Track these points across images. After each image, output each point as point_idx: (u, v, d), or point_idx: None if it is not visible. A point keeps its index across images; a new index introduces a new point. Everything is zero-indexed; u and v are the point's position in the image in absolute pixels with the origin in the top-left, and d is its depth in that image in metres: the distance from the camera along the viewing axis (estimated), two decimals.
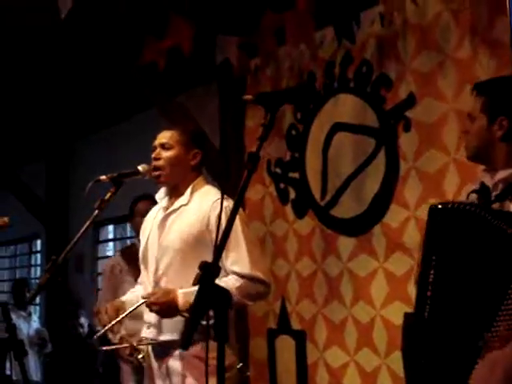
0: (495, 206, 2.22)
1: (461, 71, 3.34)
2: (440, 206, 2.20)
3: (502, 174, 2.25)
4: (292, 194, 4.35)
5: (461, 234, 2.14)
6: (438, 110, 3.43)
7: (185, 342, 1.55)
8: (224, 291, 1.63)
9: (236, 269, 2.78)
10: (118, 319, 2.80)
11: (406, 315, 2.32)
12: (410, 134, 3.58)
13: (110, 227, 7.58)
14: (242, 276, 2.78)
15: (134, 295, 3.06)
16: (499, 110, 2.30)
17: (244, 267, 2.78)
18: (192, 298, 2.60)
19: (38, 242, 8.79)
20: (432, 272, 2.12)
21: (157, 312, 2.76)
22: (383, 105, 3.73)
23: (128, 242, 7.47)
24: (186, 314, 2.68)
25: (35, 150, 7.95)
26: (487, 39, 3.22)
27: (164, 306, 2.73)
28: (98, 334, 2.94)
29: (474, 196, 2.33)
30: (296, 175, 4.32)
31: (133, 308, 2.82)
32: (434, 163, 3.43)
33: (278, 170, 4.46)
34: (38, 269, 8.88)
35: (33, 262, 9.20)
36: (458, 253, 2.13)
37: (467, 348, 2.04)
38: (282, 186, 4.43)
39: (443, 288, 2.12)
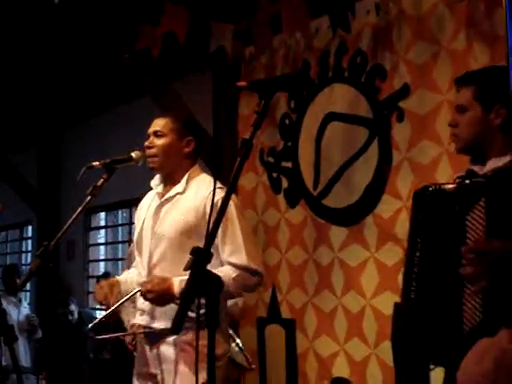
0: None
1: (455, 63, 3.34)
2: (419, 189, 2.25)
3: (492, 164, 2.24)
4: (285, 184, 4.35)
5: (441, 214, 2.17)
6: (432, 101, 3.43)
7: (175, 328, 1.55)
8: (215, 277, 1.63)
9: (233, 260, 2.79)
10: (113, 307, 2.80)
11: (396, 305, 2.34)
12: (404, 125, 3.58)
13: (102, 214, 7.57)
14: (238, 267, 2.78)
15: (129, 277, 3.07)
16: (495, 98, 2.26)
17: (241, 258, 2.79)
18: None
19: (30, 228, 8.77)
20: (417, 254, 2.16)
21: (152, 299, 2.76)
22: (377, 95, 3.73)
23: (119, 229, 7.49)
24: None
25: (26, 138, 7.92)
26: (483, 31, 3.22)
27: (160, 294, 2.73)
28: (95, 321, 2.94)
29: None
30: (289, 164, 4.32)
31: (128, 296, 2.82)
32: (427, 154, 3.43)
33: (271, 159, 4.45)
34: (29, 255, 8.87)
35: (24, 249, 9.19)
36: (439, 232, 2.16)
37: (454, 324, 2.07)
38: (274, 175, 4.43)
39: (428, 268, 2.16)
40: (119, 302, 2.81)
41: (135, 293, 2.82)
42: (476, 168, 2.29)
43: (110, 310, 2.81)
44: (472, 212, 2.07)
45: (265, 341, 4.44)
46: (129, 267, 3.23)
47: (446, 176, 3.32)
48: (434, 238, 2.17)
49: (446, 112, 3.36)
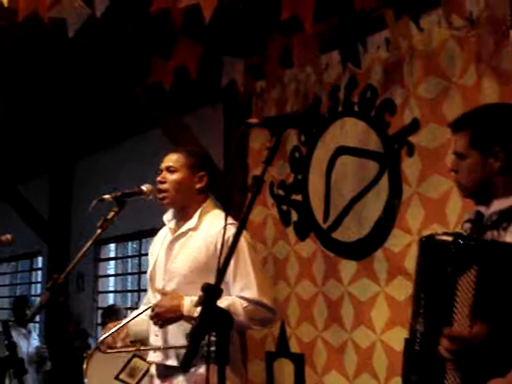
0: (488, 235, 2.17)
1: (465, 98, 3.36)
2: (427, 239, 2.16)
3: (496, 205, 2.20)
4: (294, 217, 4.36)
5: (447, 266, 2.06)
6: (442, 136, 3.44)
7: (185, 364, 1.55)
8: (226, 313, 1.63)
9: (244, 294, 2.78)
10: (119, 326, 2.79)
11: (407, 341, 2.31)
12: (414, 159, 3.59)
13: (112, 245, 7.57)
14: (250, 301, 2.77)
15: (140, 318, 3.04)
16: (492, 142, 2.21)
17: (252, 293, 2.77)
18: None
19: (40, 259, 8.78)
20: (422, 304, 2.10)
21: (160, 313, 2.74)
22: (387, 129, 3.74)
23: (129, 260, 7.49)
24: (188, 322, 2.71)
25: (38, 167, 7.97)
26: (492, 67, 3.24)
27: (168, 309, 2.74)
28: (103, 337, 2.92)
29: (467, 225, 2.30)
30: (299, 197, 4.32)
31: (137, 314, 2.82)
32: (437, 188, 3.44)
33: (281, 192, 4.46)
34: (39, 286, 8.86)
35: (34, 279, 9.18)
36: (432, 283, 2.09)
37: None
38: (284, 208, 4.44)
39: (427, 319, 2.08)
40: (126, 320, 2.80)
41: (146, 309, 2.81)
42: (482, 209, 2.25)
43: (116, 328, 2.80)
44: (463, 277, 1.98)
45: (273, 375, 4.41)
46: None
47: (456, 210, 3.32)
48: (433, 292, 2.10)
49: None
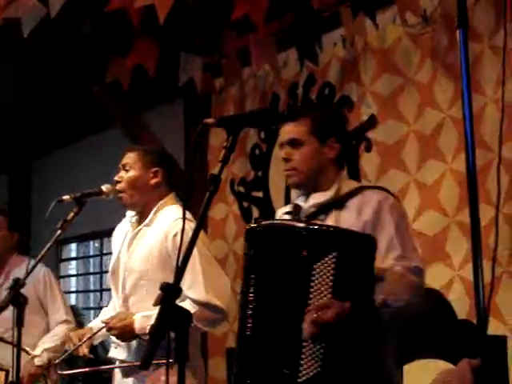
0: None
1: (421, 94, 3.41)
2: (251, 225, 2.20)
3: (315, 199, 2.27)
4: (255, 213, 4.38)
5: (271, 246, 2.12)
6: (399, 132, 3.50)
7: (145, 363, 1.56)
8: (184, 312, 1.64)
9: (191, 295, 2.72)
10: (79, 343, 2.78)
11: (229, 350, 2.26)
12: (372, 155, 3.64)
13: (73, 245, 7.51)
14: (196, 302, 2.72)
15: (100, 319, 3.02)
16: (329, 130, 2.29)
17: (199, 293, 2.71)
18: (149, 322, 2.66)
19: None
20: (252, 290, 2.09)
21: (115, 336, 2.78)
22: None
23: (91, 260, 7.44)
24: (144, 338, 2.71)
25: None
26: (446, 63, 3.30)
27: (122, 330, 2.74)
28: (60, 358, 2.92)
29: (286, 217, 2.35)
30: (260, 194, 4.35)
31: (93, 333, 2.82)
32: (395, 183, 3.47)
33: (242, 189, 4.48)
34: None
35: None
36: (271, 266, 2.10)
37: (292, 348, 2.01)
38: (245, 204, 4.46)
39: (263, 303, 2.09)
40: (85, 339, 2.80)
41: (100, 329, 2.82)
42: (301, 202, 2.31)
43: (75, 347, 2.79)
44: (321, 262, 2.00)
45: None
46: None
47: (413, 205, 3.38)
48: (271, 275, 2.10)
49: (412, 142, 3.44)
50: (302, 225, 2.10)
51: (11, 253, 4.08)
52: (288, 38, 3.96)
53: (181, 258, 1.69)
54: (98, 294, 6.93)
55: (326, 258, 1.99)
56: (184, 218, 1.81)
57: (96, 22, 4.23)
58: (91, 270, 7.40)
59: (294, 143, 2.30)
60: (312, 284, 2.00)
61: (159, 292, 1.60)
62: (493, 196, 2.97)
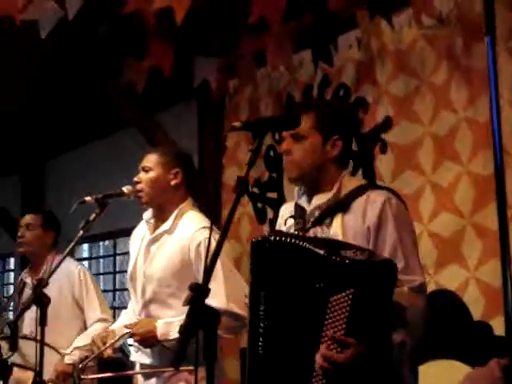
0: (312, 231, 2.21)
1: (436, 95, 3.42)
2: (259, 239, 2.10)
3: (317, 200, 2.23)
4: (270, 214, 4.40)
5: (283, 264, 2.04)
6: (414, 133, 3.51)
7: (176, 361, 1.58)
8: (213, 311, 1.67)
9: (213, 303, 2.74)
10: (101, 349, 2.80)
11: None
12: (387, 156, 3.65)
13: (85, 246, 7.54)
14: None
15: (122, 323, 3.03)
16: (333, 127, 2.24)
17: (220, 302, 2.72)
18: (171, 328, 2.68)
19: (12, 260, 8.71)
20: (262, 308, 2.05)
21: (137, 342, 2.81)
22: (360, 127, 3.79)
23: (101, 260, 7.47)
24: (166, 345, 2.74)
25: (9, 167, 7.90)
26: (462, 65, 3.31)
27: (144, 337, 2.78)
28: (85, 361, 2.92)
29: (291, 221, 2.31)
30: (274, 195, 4.36)
31: (115, 339, 2.83)
32: (411, 184, 3.49)
33: (256, 190, 4.50)
34: (11, 287, 8.79)
35: (6, 281, 9.11)
36: (283, 288, 2.04)
37: (304, 369, 1.97)
38: (259, 205, 4.48)
39: (274, 323, 2.04)
40: (108, 344, 2.81)
41: (124, 335, 2.83)
42: (303, 204, 2.27)
43: (100, 350, 2.81)
44: (337, 297, 1.91)
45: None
46: None
47: (429, 206, 3.39)
48: (283, 297, 2.03)
49: (427, 143, 3.45)
50: (319, 251, 1.97)
51: (48, 252, 4.07)
52: (303, 40, 3.97)
53: (208, 260, 1.71)
54: (111, 293, 6.96)
55: (344, 293, 1.90)
56: (211, 229, 1.82)
57: (111, 24, 4.26)
58: (102, 271, 7.43)
59: (296, 137, 2.24)
60: (327, 316, 1.92)
61: (188, 292, 1.62)
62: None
